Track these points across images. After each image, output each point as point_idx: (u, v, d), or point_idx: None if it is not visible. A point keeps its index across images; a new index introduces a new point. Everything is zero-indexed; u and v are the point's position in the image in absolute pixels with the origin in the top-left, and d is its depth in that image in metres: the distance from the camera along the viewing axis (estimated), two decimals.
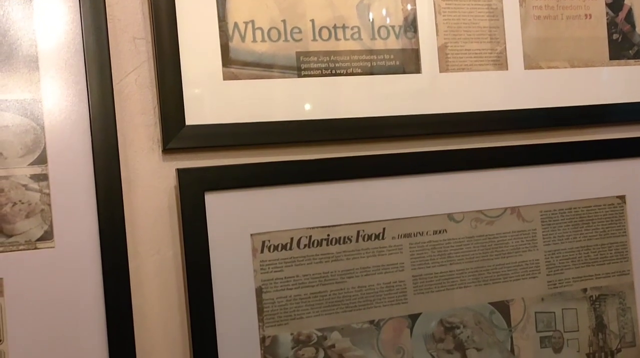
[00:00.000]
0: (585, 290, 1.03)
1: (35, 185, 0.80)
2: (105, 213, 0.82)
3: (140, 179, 0.87)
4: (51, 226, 0.80)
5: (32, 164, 0.80)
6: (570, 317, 1.02)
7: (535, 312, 1.00)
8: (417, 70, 0.97)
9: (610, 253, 1.04)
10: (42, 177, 0.81)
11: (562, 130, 1.05)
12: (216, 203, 0.86)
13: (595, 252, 1.04)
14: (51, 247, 0.80)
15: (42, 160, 0.81)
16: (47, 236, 0.80)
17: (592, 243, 1.03)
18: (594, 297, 1.03)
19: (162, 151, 0.87)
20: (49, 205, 0.81)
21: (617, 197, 1.06)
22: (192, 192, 0.85)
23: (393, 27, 0.95)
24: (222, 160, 0.89)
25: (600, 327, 1.03)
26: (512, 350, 0.99)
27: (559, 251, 1.02)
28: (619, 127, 1.08)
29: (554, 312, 1.01)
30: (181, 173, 0.85)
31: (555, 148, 1.02)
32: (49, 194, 0.81)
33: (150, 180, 0.87)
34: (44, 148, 0.81)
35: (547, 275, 1.01)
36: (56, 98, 0.82)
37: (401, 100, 0.96)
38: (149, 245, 0.86)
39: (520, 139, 1.02)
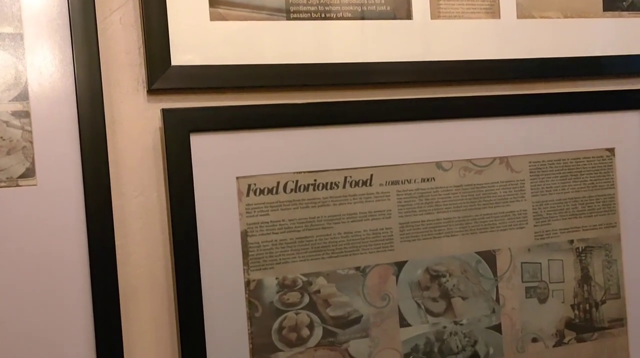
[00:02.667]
0: (571, 241, 1.03)
1: (16, 122, 0.79)
2: (88, 153, 0.81)
3: (125, 120, 0.85)
4: (33, 164, 0.79)
5: (13, 100, 0.79)
6: (556, 268, 1.02)
7: (522, 263, 1.00)
8: (408, 16, 0.95)
9: (598, 205, 1.04)
10: (24, 114, 0.79)
11: (553, 82, 1.04)
12: (202, 145, 0.85)
13: (583, 204, 1.03)
14: (33, 185, 0.79)
15: (23, 96, 0.79)
16: (29, 173, 0.79)
17: (580, 195, 1.03)
18: (580, 249, 1.03)
19: (147, 92, 0.86)
20: (31, 142, 0.79)
21: (607, 149, 1.05)
22: (177, 133, 0.84)
23: None
24: (208, 103, 0.87)
25: (585, 278, 1.04)
26: (498, 300, 0.99)
27: (547, 202, 1.01)
28: (610, 79, 1.07)
29: (540, 263, 1.01)
30: (166, 113, 0.83)
31: (545, 99, 1.01)
32: (30, 132, 0.79)
33: (135, 121, 0.86)
34: (26, 84, 0.79)
35: (534, 226, 1.01)
36: (38, 33, 0.80)
37: (391, 46, 0.94)
38: (133, 186, 0.85)
39: (511, 89, 1.01)
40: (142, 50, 0.86)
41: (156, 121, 0.86)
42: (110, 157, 0.83)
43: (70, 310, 0.81)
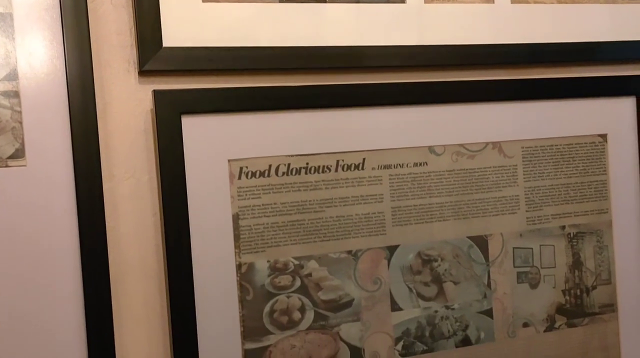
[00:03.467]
0: (563, 227, 1.03)
1: (5, 102, 0.78)
2: (79, 134, 0.80)
3: (116, 101, 0.85)
4: (23, 144, 0.79)
5: (2, 79, 0.78)
6: (547, 253, 1.02)
7: (513, 248, 1.00)
8: (402, 0, 0.94)
9: (590, 191, 1.04)
10: (13, 94, 0.78)
11: (546, 67, 1.03)
12: (193, 127, 0.84)
13: (575, 190, 1.03)
14: (23, 166, 0.79)
15: (13, 76, 0.78)
16: (19, 154, 0.78)
17: (572, 181, 1.03)
18: (571, 235, 1.03)
19: (138, 73, 0.85)
20: (21, 123, 0.79)
21: (599, 135, 1.05)
22: (168, 114, 0.83)
23: None
24: (200, 85, 0.87)
25: (576, 264, 1.04)
26: (489, 285, 0.99)
27: (539, 188, 1.01)
28: (604, 65, 1.07)
29: (532, 248, 1.01)
30: (157, 94, 0.83)
31: (539, 84, 1.01)
32: (20, 112, 0.79)
33: (126, 103, 0.85)
34: (15, 64, 0.79)
35: (526, 211, 1.01)
36: (28, 13, 0.79)
37: (385, 30, 0.94)
38: (124, 168, 0.85)
39: (504, 74, 1.01)
40: (133, 31, 0.85)
41: (147, 103, 0.85)
42: (101, 139, 0.82)
43: (60, 293, 0.80)
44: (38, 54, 0.79)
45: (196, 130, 0.85)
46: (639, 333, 1.07)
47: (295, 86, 0.89)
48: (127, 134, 0.85)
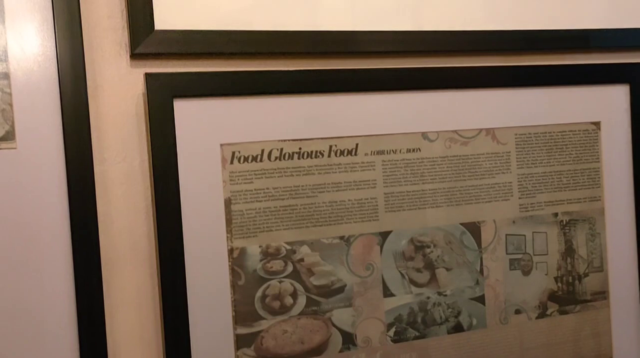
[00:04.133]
0: (556, 214, 1.03)
1: None
2: (70, 117, 0.79)
3: (107, 84, 0.84)
4: (13, 126, 0.78)
5: None
6: (540, 240, 1.02)
7: (506, 234, 1.00)
8: None
9: (583, 179, 1.04)
10: (3, 76, 0.78)
11: (541, 54, 1.03)
12: (185, 110, 0.84)
13: (568, 177, 1.03)
14: (13, 148, 0.78)
15: (3, 58, 0.78)
16: (9, 136, 0.78)
17: (565, 168, 1.03)
18: (564, 222, 1.04)
19: (130, 56, 0.84)
20: (11, 105, 0.78)
21: (592, 123, 1.05)
22: (160, 97, 0.82)
23: None
24: (192, 69, 0.86)
25: (569, 251, 1.04)
26: (482, 271, 0.99)
27: (532, 175, 1.01)
28: (598, 53, 1.06)
29: (525, 235, 1.01)
30: (149, 77, 0.82)
31: (533, 71, 1.01)
32: (10, 94, 0.78)
33: (118, 86, 0.84)
34: (5, 46, 0.78)
35: (519, 198, 1.01)
36: None
37: (379, 15, 0.93)
38: (116, 151, 0.84)
39: (498, 60, 1.01)
40: (124, 13, 0.84)
41: (139, 86, 0.85)
42: (92, 122, 0.82)
43: (51, 278, 0.80)
44: (29, 36, 0.79)
45: (188, 114, 0.84)
46: (630, 321, 1.07)
47: (288, 71, 0.88)
48: (119, 118, 0.84)
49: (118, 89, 0.84)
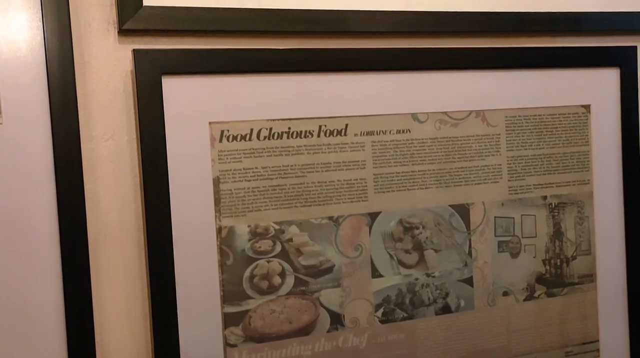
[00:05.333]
0: (545, 197, 1.03)
1: None
2: (57, 94, 0.79)
3: (95, 61, 0.83)
4: None
5: None
6: (528, 223, 1.02)
7: (495, 217, 1.00)
8: None
9: (572, 162, 1.04)
10: None
11: (532, 36, 1.03)
12: (174, 88, 0.83)
13: (557, 160, 1.04)
14: None
15: None
16: None
17: (554, 151, 1.03)
18: (553, 205, 1.04)
19: (118, 32, 0.83)
20: None
21: (582, 106, 1.05)
22: (148, 75, 0.82)
23: None
24: (181, 46, 0.85)
25: (557, 234, 1.04)
26: (470, 253, 0.99)
27: (522, 157, 1.01)
28: (589, 36, 1.06)
29: (513, 218, 1.01)
30: (137, 54, 0.81)
31: (524, 53, 1.01)
32: None
33: (105, 62, 0.83)
34: None
35: (508, 180, 1.01)
36: None
37: None
38: (103, 129, 0.84)
39: (489, 42, 1.00)
40: None
41: (127, 63, 0.84)
42: (80, 99, 0.81)
43: (37, 255, 0.79)
44: (14, 12, 0.78)
45: (177, 91, 0.83)
46: (617, 304, 1.08)
47: (278, 49, 0.88)
48: (107, 95, 0.84)
49: (106, 66, 0.84)
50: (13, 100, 0.77)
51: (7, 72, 0.77)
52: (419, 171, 0.96)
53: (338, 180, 0.91)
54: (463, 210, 0.98)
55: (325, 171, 0.91)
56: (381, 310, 0.94)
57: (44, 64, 0.78)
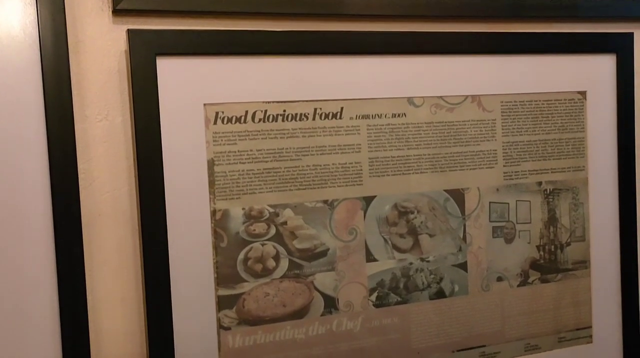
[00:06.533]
0: (540, 183, 1.03)
1: None
2: (50, 73, 0.78)
3: (89, 40, 0.82)
4: None
5: None
6: (523, 208, 1.02)
7: (490, 202, 1.00)
8: None
9: (568, 148, 1.04)
10: None
11: (528, 21, 1.02)
12: (169, 69, 0.83)
13: (553, 146, 1.03)
14: None
15: None
16: None
17: (550, 137, 1.03)
18: (548, 191, 1.04)
19: (112, 12, 0.83)
20: None
21: (578, 92, 1.05)
22: (143, 55, 0.81)
23: None
24: (177, 26, 0.85)
25: (552, 220, 1.04)
26: (465, 238, 0.99)
27: (517, 143, 1.01)
28: (585, 22, 1.06)
29: (508, 203, 1.01)
30: (132, 34, 0.81)
31: (520, 38, 1.00)
32: None
33: (100, 42, 0.83)
34: None
35: (503, 166, 1.01)
36: None
37: None
38: (97, 109, 0.83)
39: (486, 27, 1.00)
40: None
41: (121, 43, 0.83)
42: (73, 79, 0.80)
43: (30, 237, 0.79)
44: None
45: (172, 72, 0.83)
46: (611, 290, 1.08)
47: (274, 31, 0.87)
48: (101, 75, 0.83)
49: (100, 46, 0.83)
50: (6, 79, 0.77)
51: (0, 51, 0.76)
52: (414, 155, 0.95)
53: (333, 164, 0.91)
54: (458, 195, 0.98)
55: (320, 154, 0.90)
56: (375, 294, 0.94)
57: (38, 43, 0.78)
